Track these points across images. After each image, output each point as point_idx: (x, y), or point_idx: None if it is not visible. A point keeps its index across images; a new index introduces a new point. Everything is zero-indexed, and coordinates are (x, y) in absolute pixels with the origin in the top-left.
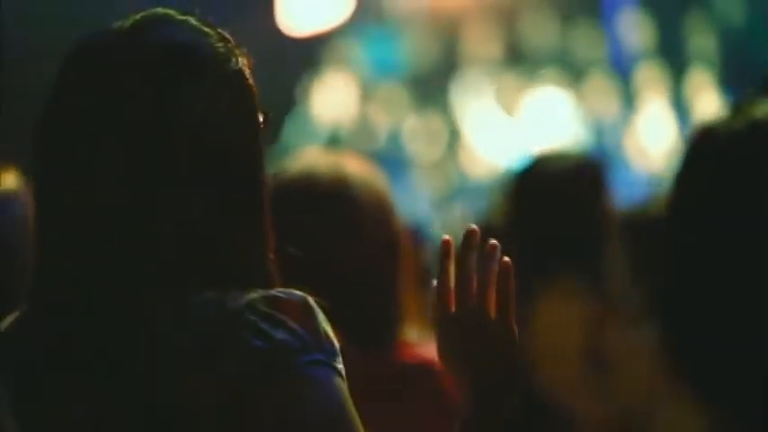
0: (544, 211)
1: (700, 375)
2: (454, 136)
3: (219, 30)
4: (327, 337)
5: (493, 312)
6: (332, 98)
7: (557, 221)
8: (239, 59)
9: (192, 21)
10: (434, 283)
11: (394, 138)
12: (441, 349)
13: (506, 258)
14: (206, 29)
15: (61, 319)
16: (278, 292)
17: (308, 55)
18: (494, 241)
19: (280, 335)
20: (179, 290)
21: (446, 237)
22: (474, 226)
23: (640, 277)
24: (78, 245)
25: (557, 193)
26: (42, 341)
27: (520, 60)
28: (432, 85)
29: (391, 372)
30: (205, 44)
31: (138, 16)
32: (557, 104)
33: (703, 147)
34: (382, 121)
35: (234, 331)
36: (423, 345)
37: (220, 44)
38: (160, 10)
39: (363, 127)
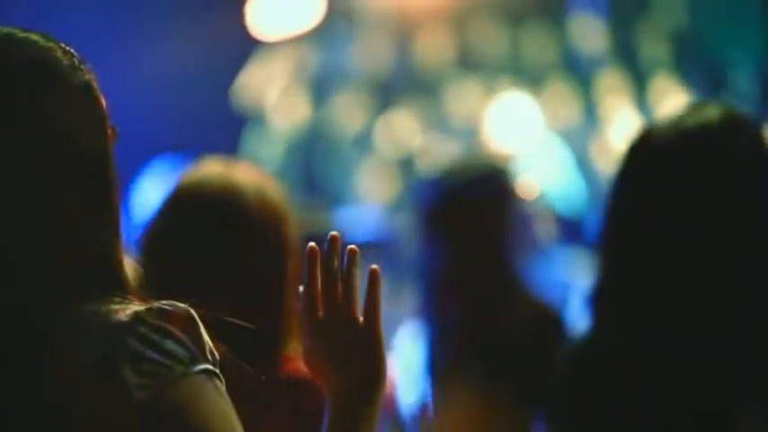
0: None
1: (652, 376)
2: (411, 143)
3: (62, 44)
4: (210, 347)
5: (359, 316)
6: (291, 103)
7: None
8: (85, 72)
9: (35, 36)
10: (301, 288)
11: (350, 143)
12: (307, 351)
13: (374, 266)
14: (50, 43)
15: None
16: (163, 304)
17: (268, 60)
18: (352, 246)
19: (170, 345)
20: (62, 301)
21: (311, 244)
22: (336, 232)
23: None
24: None
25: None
26: None
27: (478, 66)
28: (389, 91)
29: (270, 386)
30: (52, 57)
31: None
32: (517, 110)
33: (640, 155)
34: (339, 127)
35: (126, 342)
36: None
37: (65, 57)
38: (2, 28)
39: (321, 133)
